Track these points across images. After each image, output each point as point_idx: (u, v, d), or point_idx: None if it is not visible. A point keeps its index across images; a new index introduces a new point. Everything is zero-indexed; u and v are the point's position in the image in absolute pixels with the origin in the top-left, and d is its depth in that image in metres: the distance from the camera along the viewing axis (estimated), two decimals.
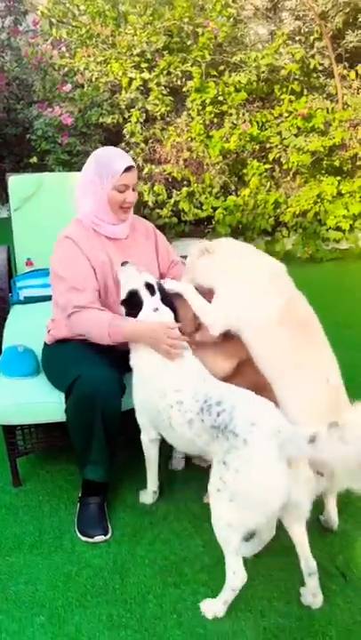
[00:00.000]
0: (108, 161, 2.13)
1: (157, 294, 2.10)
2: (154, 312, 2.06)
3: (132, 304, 2.08)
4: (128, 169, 2.13)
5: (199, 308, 2.10)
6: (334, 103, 5.75)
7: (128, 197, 2.19)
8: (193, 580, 1.96)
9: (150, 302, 2.07)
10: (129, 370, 2.32)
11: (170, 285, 2.18)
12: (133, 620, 1.80)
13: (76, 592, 1.92)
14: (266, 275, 2.02)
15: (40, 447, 2.44)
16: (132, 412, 2.18)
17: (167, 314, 2.09)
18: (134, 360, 2.12)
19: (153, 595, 1.90)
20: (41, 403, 2.24)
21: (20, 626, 1.78)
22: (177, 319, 2.12)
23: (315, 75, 5.76)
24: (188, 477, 2.52)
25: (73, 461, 2.32)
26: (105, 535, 2.14)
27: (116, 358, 2.25)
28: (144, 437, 2.21)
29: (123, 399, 2.17)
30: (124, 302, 2.10)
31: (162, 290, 2.13)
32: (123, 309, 2.11)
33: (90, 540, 2.13)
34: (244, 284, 2.00)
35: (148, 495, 2.33)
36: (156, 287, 2.11)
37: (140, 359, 2.10)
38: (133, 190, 2.21)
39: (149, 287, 2.09)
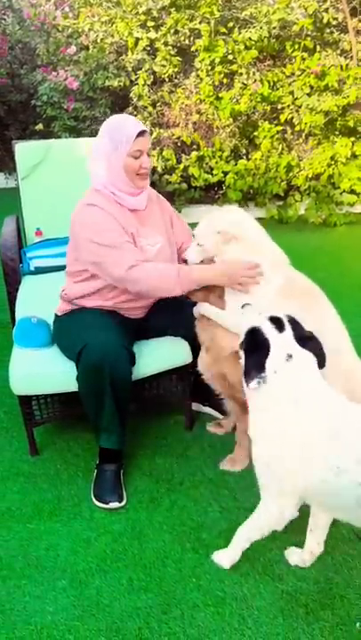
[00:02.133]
0: (120, 127, 2.07)
1: (289, 331, 1.52)
2: (287, 361, 1.48)
3: (254, 346, 1.52)
4: (141, 133, 2.08)
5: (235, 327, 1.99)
6: (348, 60, 5.54)
7: (144, 163, 2.13)
8: (211, 544, 1.98)
9: (280, 344, 1.49)
10: (139, 337, 2.31)
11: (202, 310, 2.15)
12: (153, 583, 1.83)
13: (96, 557, 1.94)
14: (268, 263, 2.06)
15: (57, 416, 2.45)
16: (143, 380, 2.17)
17: (308, 360, 1.50)
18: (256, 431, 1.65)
19: (172, 559, 1.92)
20: (56, 373, 2.24)
21: (43, 590, 1.82)
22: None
23: (328, 30, 5.54)
24: (204, 443, 2.52)
25: (89, 430, 2.33)
26: (120, 502, 2.16)
27: (126, 325, 2.24)
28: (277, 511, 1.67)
29: (133, 368, 2.18)
30: (241, 346, 1.60)
31: (295, 325, 1.54)
32: (241, 362, 1.61)
33: (105, 505, 2.15)
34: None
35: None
36: (285, 322, 1.53)
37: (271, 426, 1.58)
38: (148, 156, 2.16)
39: (277, 322, 1.53)
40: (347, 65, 5.35)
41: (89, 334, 2.11)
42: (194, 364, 2.35)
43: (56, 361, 2.27)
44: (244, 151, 5.44)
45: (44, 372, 2.24)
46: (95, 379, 2.06)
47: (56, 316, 2.39)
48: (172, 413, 2.70)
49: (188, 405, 2.59)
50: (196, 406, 2.66)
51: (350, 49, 5.55)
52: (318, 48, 5.27)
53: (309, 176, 5.26)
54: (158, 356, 2.34)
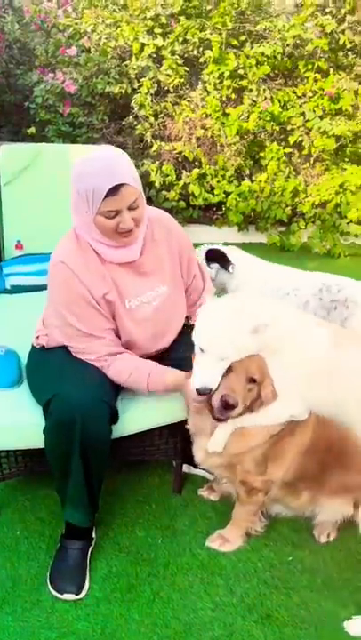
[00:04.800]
0: (85, 178, 1.62)
1: None
2: None
3: None
4: (115, 190, 1.61)
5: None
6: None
7: (123, 223, 1.67)
8: None
9: None
10: (127, 389, 1.91)
11: None
12: None
13: None
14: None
15: (21, 472, 2.03)
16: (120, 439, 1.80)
17: None
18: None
19: None
20: (22, 424, 1.82)
21: None
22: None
23: (343, 52, 5.27)
24: (195, 512, 2.13)
25: None
26: (77, 594, 1.76)
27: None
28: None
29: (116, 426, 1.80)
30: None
31: None
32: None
33: (58, 595, 1.75)
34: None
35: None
36: None
37: None
38: (133, 209, 1.68)
39: None
40: (358, 91, 5.09)
41: (62, 381, 1.72)
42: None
43: (22, 408, 1.86)
44: (247, 172, 5.11)
45: (6, 423, 1.83)
46: (63, 438, 1.67)
47: (33, 347, 1.99)
48: (158, 473, 2.31)
49: (178, 466, 2.19)
50: (187, 467, 2.26)
51: None
52: (332, 71, 4.98)
53: (316, 203, 4.95)
54: (148, 410, 1.94)
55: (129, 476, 2.28)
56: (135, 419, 1.91)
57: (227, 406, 1.60)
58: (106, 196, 1.61)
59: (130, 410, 1.89)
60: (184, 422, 1.97)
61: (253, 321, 1.60)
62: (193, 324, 1.77)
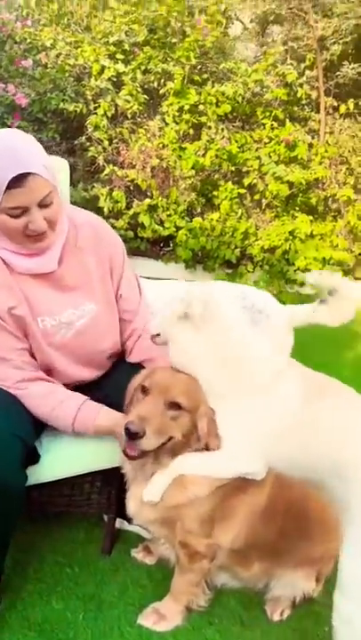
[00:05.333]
0: None
1: None
2: None
3: None
4: (20, 180, 1.32)
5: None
6: (316, 139, 5.38)
7: (33, 223, 1.39)
8: None
9: None
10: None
11: None
12: None
13: None
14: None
15: None
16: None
17: None
18: None
19: None
20: None
21: None
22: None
23: (299, 105, 5.38)
24: (126, 579, 1.78)
25: None
26: None
27: None
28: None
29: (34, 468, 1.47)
30: None
31: None
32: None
33: None
34: None
35: None
36: None
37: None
38: (45, 206, 1.39)
39: None
40: (311, 145, 5.17)
41: None
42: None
43: None
44: (199, 210, 4.98)
45: None
46: None
47: None
48: (84, 527, 1.94)
49: (110, 520, 1.84)
50: (120, 522, 1.91)
51: (318, 129, 5.40)
52: (287, 122, 5.03)
53: (265, 247, 4.87)
54: (78, 451, 1.61)
55: (48, 529, 1.90)
56: (60, 461, 1.58)
57: (130, 435, 1.30)
58: (8, 188, 1.30)
59: (54, 450, 1.56)
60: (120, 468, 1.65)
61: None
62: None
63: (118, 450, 1.62)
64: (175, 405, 1.35)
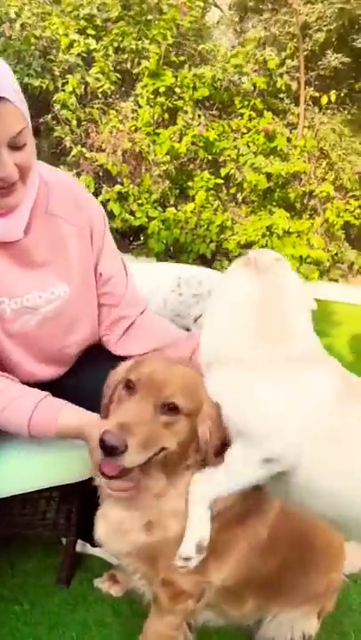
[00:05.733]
0: None
1: None
2: None
3: None
4: None
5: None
6: (294, 133, 5.19)
7: (1, 169, 1.08)
8: None
9: None
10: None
11: None
12: None
13: None
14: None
15: None
16: None
17: None
18: None
19: None
20: None
21: None
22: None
23: (279, 97, 5.18)
24: (87, 618, 1.46)
25: None
26: None
27: None
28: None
29: None
30: None
31: None
32: None
33: None
34: None
35: None
36: None
37: None
38: (17, 149, 1.09)
39: None
40: (290, 139, 4.98)
41: None
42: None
43: None
44: (172, 201, 4.70)
45: None
46: None
47: None
48: (37, 554, 1.61)
49: (69, 544, 1.51)
50: (81, 545, 1.59)
51: (297, 123, 5.21)
52: (265, 113, 4.82)
53: (241, 242, 4.63)
54: (31, 464, 1.29)
55: None
56: (10, 475, 1.25)
57: (106, 450, 0.96)
58: None
59: (5, 460, 1.23)
60: (85, 484, 1.33)
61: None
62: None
63: (84, 459, 1.31)
64: (170, 408, 1.04)
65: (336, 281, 5.70)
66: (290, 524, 1.24)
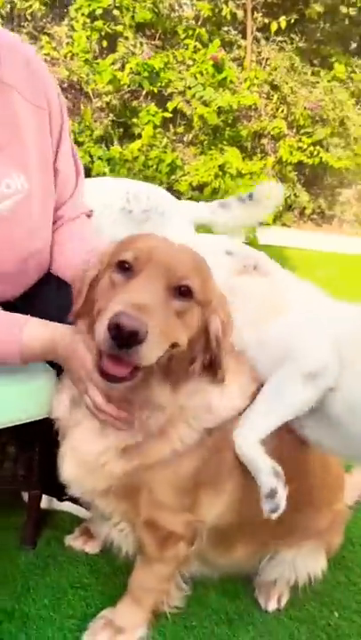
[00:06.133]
0: None
1: None
2: None
3: None
4: None
5: None
6: (241, 68, 4.90)
7: None
8: None
9: None
10: None
11: None
12: None
13: None
14: None
15: None
16: None
17: None
18: None
19: None
20: None
21: None
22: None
23: (224, 29, 4.85)
24: (59, 585, 1.24)
25: None
26: None
27: None
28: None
29: None
30: None
31: None
32: None
33: None
34: None
35: None
36: None
37: None
38: None
39: None
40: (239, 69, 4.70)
41: None
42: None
43: None
44: (116, 141, 4.34)
45: None
46: None
47: None
48: None
49: (33, 499, 1.27)
50: (47, 501, 1.36)
51: (244, 57, 4.92)
52: (213, 40, 4.49)
53: (194, 184, 4.35)
54: None
55: None
56: None
57: (121, 337, 0.74)
58: None
59: None
60: (45, 424, 1.09)
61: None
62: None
63: (41, 392, 1.07)
64: (182, 292, 0.83)
65: (289, 227, 5.57)
66: (286, 450, 1.05)
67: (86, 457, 0.95)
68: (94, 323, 0.84)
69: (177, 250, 0.88)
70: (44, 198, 1.12)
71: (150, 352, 0.76)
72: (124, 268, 0.84)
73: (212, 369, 0.91)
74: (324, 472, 1.19)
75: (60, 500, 1.38)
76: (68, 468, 0.98)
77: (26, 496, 1.31)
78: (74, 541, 1.33)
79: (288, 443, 1.07)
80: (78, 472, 0.97)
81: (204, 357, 0.90)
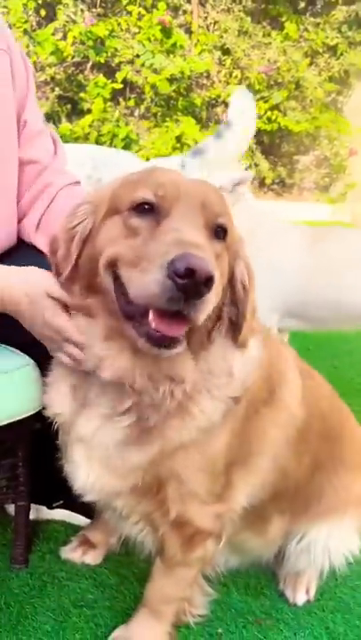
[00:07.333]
0: None
1: None
2: None
3: None
4: None
5: None
6: (189, 35, 4.69)
7: None
8: None
9: None
10: None
11: None
12: None
13: None
14: None
15: None
16: None
17: None
18: None
19: None
20: None
21: None
22: None
23: None
24: (61, 606, 1.08)
25: None
26: None
27: None
28: None
29: None
30: None
31: None
32: None
33: None
34: None
35: None
36: None
37: None
38: None
39: None
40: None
41: None
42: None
43: None
44: (64, 119, 4.10)
45: None
46: None
47: None
48: None
49: (20, 512, 1.10)
50: (35, 511, 1.19)
51: (191, 21, 4.71)
52: (159, 4, 4.27)
53: (151, 158, 4.15)
54: None
55: None
56: None
57: (198, 284, 0.59)
58: None
59: None
60: (33, 421, 0.92)
61: None
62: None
63: (24, 388, 0.90)
64: (217, 232, 0.71)
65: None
66: (318, 406, 0.94)
67: (100, 450, 0.79)
68: (95, 284, 0.71)
69: (202, 183, 0.73)
70: (1, 157, 0.95)
71: (209, 305, 0.63)
72: (144, 210, 0.68)
73: (234, 328, 0.77)
74: (355, 432, 1.10)
75: (50, 507, 1.22)
76: (84, 474, 0.82)
77: (11, 508, 1.14)
78: (72, 553, 1.17)
79: (327, 399, 1.02)
80: (97, 474, 0.81)
81: (231, 313, 0.75)
